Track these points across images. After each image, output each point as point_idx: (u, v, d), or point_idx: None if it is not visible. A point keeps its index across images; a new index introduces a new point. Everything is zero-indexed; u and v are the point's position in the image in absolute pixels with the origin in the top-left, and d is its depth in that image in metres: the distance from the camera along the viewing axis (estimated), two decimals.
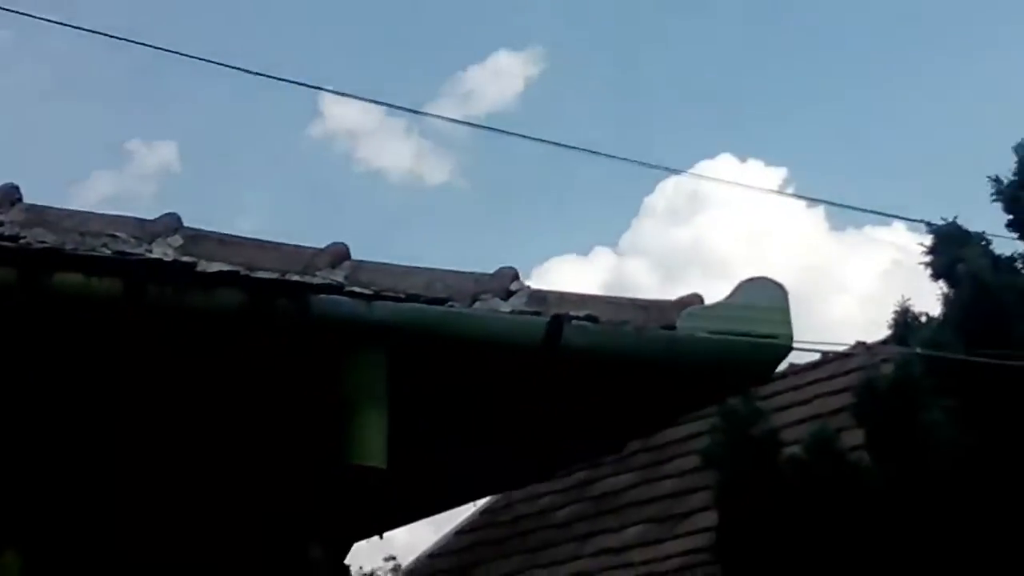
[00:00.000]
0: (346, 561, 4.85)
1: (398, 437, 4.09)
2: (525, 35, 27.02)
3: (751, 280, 4.43)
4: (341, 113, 25.73)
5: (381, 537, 5.71)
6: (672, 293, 4.54)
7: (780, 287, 4.43)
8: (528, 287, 4.47)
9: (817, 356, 11.35)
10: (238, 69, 9.68)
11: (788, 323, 4.39)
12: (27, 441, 4.29)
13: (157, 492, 4.22)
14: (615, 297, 4.54)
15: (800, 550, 7.14)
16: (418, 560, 15.15)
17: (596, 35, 25.09)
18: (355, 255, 4.40)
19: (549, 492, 13.94)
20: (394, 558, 17.28)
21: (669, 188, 24.67)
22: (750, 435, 7.69)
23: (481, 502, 15.00)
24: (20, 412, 4.07)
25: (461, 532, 14.86)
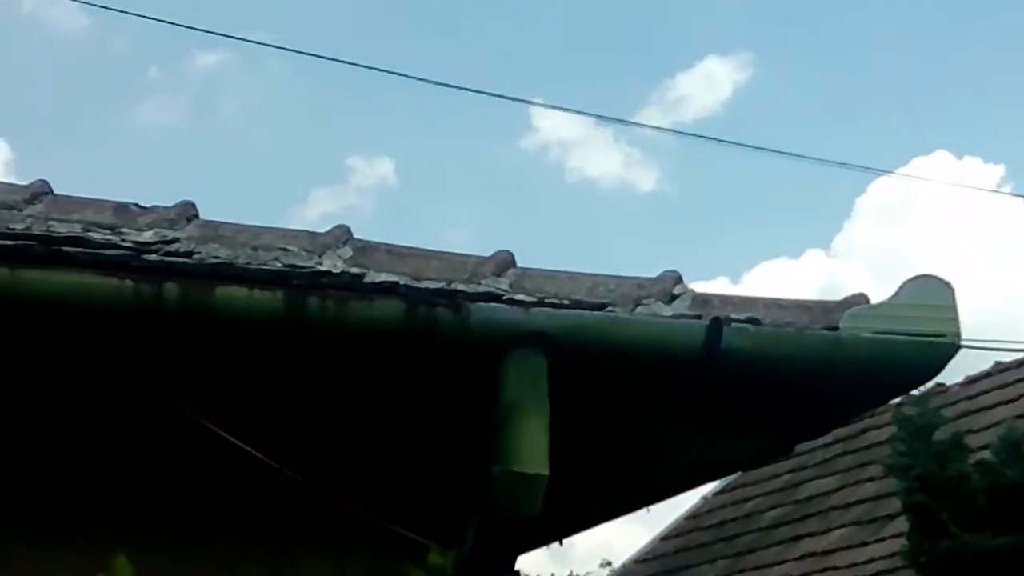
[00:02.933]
0: (520, 568, 4.87)
1: (561, 443, 4.11)
2: (733, 40, 26.87)
3: (916, 278, 4.35)
4: (551, 124, 25.95)
5: (561, 543, 5.74)
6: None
7: (947, 284, 4.33)
8: (691, 290, 4.46)
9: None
10: (450, 86, 9.84)
11: (955, 321, 4.29)
12: (177, 448, 4.40)
13: (305, 503, 4.29)
14: (780, 299, 4.50)
15: (991, 558, 6.98)
16: (624, 566, 15.17)
17: (805, 36, 24.83)
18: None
19: (755, 496, 13.86)
20: (610, 563, 17.32)
21: (882, 188, 24.30)
22: (931, 441, 7.53)
23: (686, 507, 14.98)
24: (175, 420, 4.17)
25: (667, 537, 14.85)
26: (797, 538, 12.35)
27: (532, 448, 4.05)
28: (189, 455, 4.46)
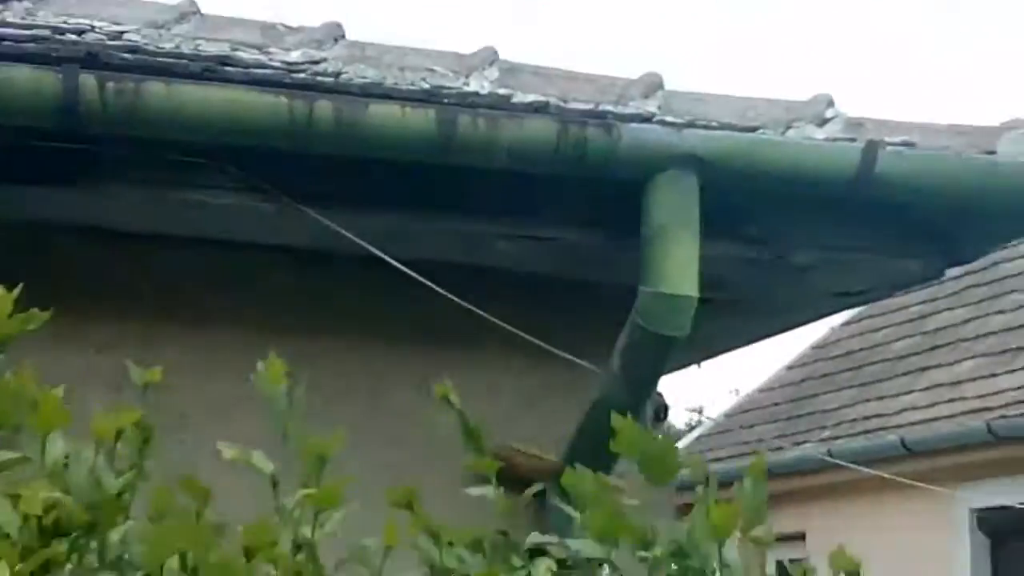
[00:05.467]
0: (663, 391, 4.90)
1: (707, 265, 4.10)
2: None
3: None
4: None
5: (699, 366, 5.76)
6: None
7: None
8: (843, 114, 4.40)
9: None
10: None
11: None
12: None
13: (456, 321, 4.33)
14: (934, 123, 4.43)
15: None
16: (749, 395, 15.24)
17: None
18: None
19: (883, 327, 13.83)
20: (738, 391, 17.42)
21: None
22: None
23: (813, 337, 14.95)
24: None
25: (792, 367, 14.87)
26: (925, 369, 12.33)
27: (682, 270, 4.04)
28: (338, 269, 4.52)
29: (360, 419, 4.50)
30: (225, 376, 4.36)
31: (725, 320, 4.91)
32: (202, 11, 4.74)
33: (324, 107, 3.97)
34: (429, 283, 4.21)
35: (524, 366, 4.57)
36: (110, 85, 3.90)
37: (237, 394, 4.40)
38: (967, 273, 12.45)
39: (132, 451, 2.22)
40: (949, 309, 12.94)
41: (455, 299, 4.24)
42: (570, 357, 4.21)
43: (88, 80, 3.89)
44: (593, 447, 3.74)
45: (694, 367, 5.73)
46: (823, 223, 4.38)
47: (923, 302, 13.19)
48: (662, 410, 5.00)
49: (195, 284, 4.59)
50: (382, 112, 4.00)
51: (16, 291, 2.21)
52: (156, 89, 3.91)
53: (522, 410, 4.71)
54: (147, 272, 4.57)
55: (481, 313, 4.25)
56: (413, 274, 4.21)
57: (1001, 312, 12.21)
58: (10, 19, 4.30)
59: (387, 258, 4.21)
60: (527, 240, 4.44)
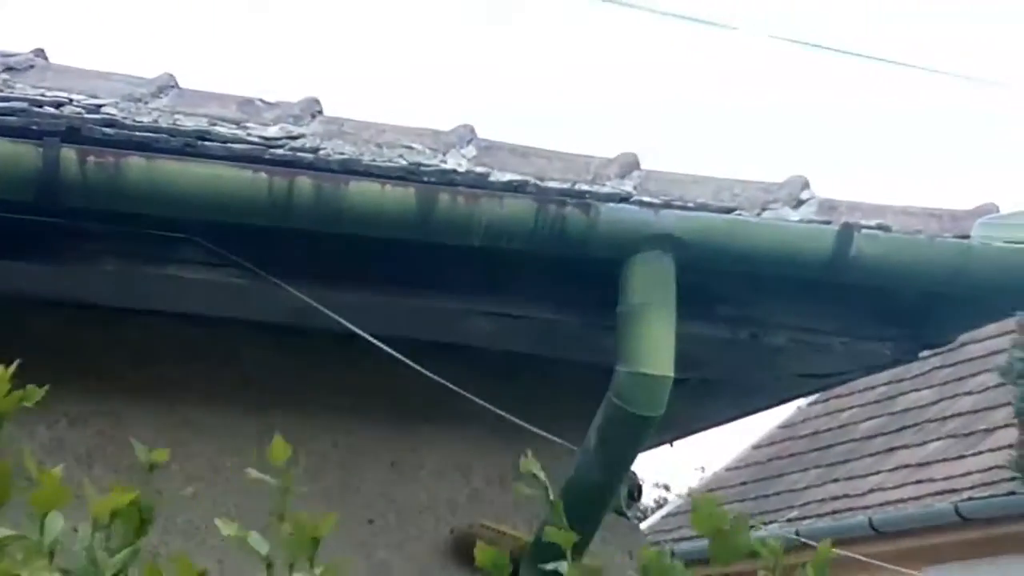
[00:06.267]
0: (637, 470, 4.90)
1: (683, 345, 4.12)
2: None
3: None
4: None
5: (671, 445, 5.76)
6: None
7: None
8: (818, 196, 4.44)
9: None
10: None
11: None
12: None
13: (429, 399, 4.34)
14: (908, 206, 4.47)
15: None
16: (716, 473, 15.26)
17: None
18: None
19: (849, 407, 13.88)
20: (703, 468, 17.41)
21: None
22: None
23: (780, 416, 14.99)
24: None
25: (759, 446, 14.89)
26: (892, 450, 12.38)
27: (659, 349, 4.06)
28: (313, 345, 4.52)
29: (332, 495, 4.49)
30: (199, 451, 4.35)
31: (698, 400, 4.92)
32: (179, 85, 4.75)
33: (304, 183, 4.00)
34: (405, 359, 4.21)
35: (498, 443, 4.57)
36: (91, 159, 3.91)
37: (212, 469, 4.43)
38: (934, 354, 12.50)
39: (127, 530, 2.22)
40: (916, 390, 13.01)
41: (431, 375, 4.24)
42: (545, 435, 4.21)
43: (69, 154, 3.90)
44: (567, 526, 3.74)
45: (665, 446, 5.72)
46: (797, 305, 4.41)
47: (889, 383, 13.25)
48: (636, 490, 5.00)
49: (169, 359, 4.57)
50: (362, 189, 4.02)
51: (12, 368, 2.20)
52: (136, 164, 3.93)
53: (495, 488, 4.70)
54: (121, 346, 4.55)
55: (456, 389, 4.25)
56: (389, 350, 4.21)
57: (968, 393, 12.28)
58: None
59: (363, 334, 4.21)
60: (503, 317, 4.45)
